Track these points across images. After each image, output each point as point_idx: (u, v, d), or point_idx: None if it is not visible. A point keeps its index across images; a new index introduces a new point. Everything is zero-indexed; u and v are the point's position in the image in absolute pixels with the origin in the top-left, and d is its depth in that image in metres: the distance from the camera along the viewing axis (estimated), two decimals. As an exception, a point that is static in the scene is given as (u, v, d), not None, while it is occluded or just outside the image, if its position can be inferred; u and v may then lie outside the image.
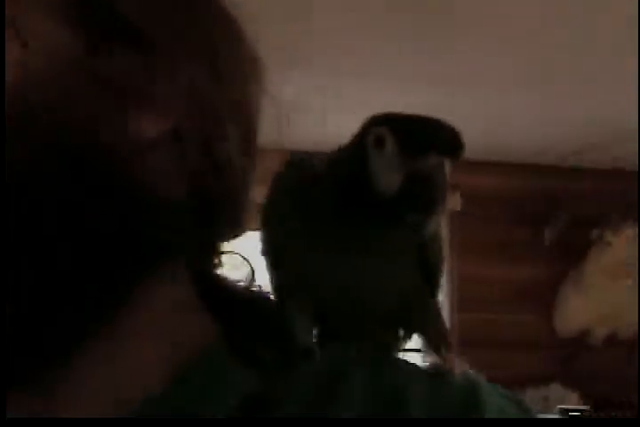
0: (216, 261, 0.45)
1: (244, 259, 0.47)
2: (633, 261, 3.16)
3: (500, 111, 2.74)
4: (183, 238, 0.38)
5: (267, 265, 0.48)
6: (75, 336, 0.36)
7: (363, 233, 0.45)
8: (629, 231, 3.15)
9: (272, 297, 0.47)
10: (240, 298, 0.45)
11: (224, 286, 0.45)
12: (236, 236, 0.44)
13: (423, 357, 0.47)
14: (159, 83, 0.36)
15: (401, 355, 0.49)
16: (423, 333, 0.49)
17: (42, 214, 0.34)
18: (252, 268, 0.47)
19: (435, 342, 0.48)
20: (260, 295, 0.46)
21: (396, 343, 0.50)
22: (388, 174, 0.43)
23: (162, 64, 0.36)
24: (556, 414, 2.75)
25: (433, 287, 0.50)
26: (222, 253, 0.45)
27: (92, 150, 0.34)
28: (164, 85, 0.36)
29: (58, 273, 0.34)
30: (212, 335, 0.41)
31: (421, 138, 0.42)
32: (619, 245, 3.14)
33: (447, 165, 0.42)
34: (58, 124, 0.34)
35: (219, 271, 0.45)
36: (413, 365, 0.44)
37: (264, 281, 0.48)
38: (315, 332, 0.48)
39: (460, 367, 0.44)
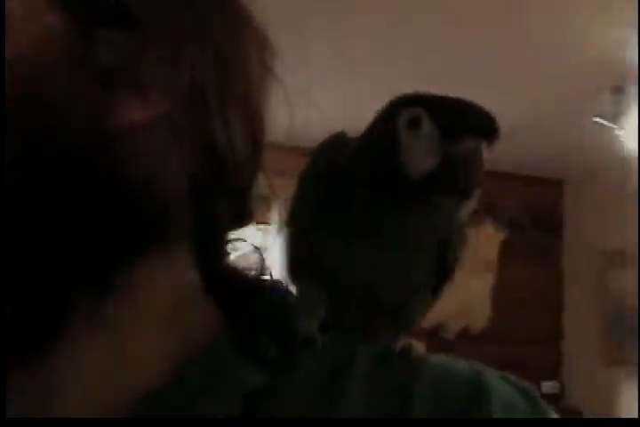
0: (223, 250, 0.43)
1: (254, 248, 0.45)
2: (491, 258, 3.27)
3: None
4: (179, 227, 0.37)
5: (285, 251, 0.48)
6: (56, 317, 0.34)
7: (386, 224, 0.44)
8: (488, 228, 3.26)
9: (280, 287, 0.45)
10: (246, 289, 0.43)
11: (231, 276, 0.43)
12: (241, 226, 0.43)
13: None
14: (159, 69, 0.35)
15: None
16: (406, 322, 0.49)
17: (36, 199, 0.33)
18: (262, 257, 0.46)
19: (398, 330, 0.47)
20: (268, 286, 0.44)
21: (392, 336, 0.48)
22: (422, 156, 0.42)
23: (163, 51, 0.35)
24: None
25: (440, 285, 0.49)
26: (229, 241, 0.43)
27: (87, 138, 0.34)
28: (164, 72, 0.35)
29: (42, 252, 0.33)
30: (215, 329, 0.40)
31: (460, 120, 0.42)
32: (477, 242, 3.24)
33: (484, 149, 0.42)
34: (56, 115, 0.33)
35: (228, 260, 0.44)
36: (416, 358, 0.43)
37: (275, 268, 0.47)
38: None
39: (419, 350, 0.44)
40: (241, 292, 0.42)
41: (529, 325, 3.51)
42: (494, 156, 0.42)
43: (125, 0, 0.34)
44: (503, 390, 0.40)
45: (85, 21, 0.34)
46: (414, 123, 0.42)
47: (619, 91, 2.39)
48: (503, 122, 0.42)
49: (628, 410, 3.11)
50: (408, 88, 0.45)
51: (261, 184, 0.43)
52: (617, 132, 2.44)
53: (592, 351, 3.41)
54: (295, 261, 0.48)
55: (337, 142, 0.48)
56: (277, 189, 0.47)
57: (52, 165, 0.33)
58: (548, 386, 3.45)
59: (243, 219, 0.42)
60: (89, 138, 0.33)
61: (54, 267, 0.33)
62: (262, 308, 0.41)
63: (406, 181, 0.42)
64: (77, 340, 0.35)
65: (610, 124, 2.44)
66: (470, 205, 0.44)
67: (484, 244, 3.27)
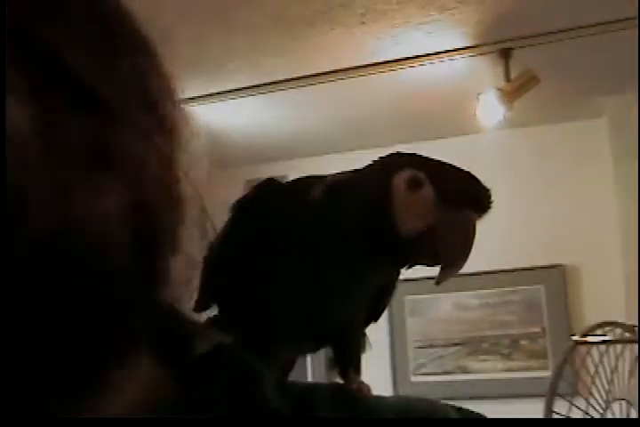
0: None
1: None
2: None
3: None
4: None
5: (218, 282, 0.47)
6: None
7: (348, 271, 0.46)
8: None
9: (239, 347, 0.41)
10: (203, 349, 0.38)
11: (175, 327, 0.39)
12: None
13: (331, 376, 0.49)
14: (130, 150, 0.32)
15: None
16: (348, 355, 0.50)
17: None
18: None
19: (348, 364, 0.49)
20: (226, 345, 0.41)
21: (342, 373, 0.50)
22: (416, 216, 0.43)
23: (132, 131, 0.32)
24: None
25: (372, 319, 0.52)
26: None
27: (61, 231, 0.30)
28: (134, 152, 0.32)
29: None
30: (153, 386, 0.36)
31: (461, 192, 0.43)
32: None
33: (476, 222, 0.43)
34: (23, 206, 0.29)
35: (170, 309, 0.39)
36: (373, 398, 0.42)
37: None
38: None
39: (365, 389, 0.45)
40: (196, 354, 0.38)
41: None
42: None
43: (88, 77, 0.31)
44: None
45: (51, 110, 0.30)
46: (415, 184, 0.43)
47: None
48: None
49: None
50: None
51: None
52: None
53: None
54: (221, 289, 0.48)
55: (275, 185, 0.48)
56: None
57: (21, 253, 0.29)
58: None
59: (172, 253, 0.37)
60: (57, 226, 0.29)
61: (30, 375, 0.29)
62: (221, 373, 0.37)
63: (393, 238, 0.43)
64: None
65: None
66: (452, 274, 0.45)
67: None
